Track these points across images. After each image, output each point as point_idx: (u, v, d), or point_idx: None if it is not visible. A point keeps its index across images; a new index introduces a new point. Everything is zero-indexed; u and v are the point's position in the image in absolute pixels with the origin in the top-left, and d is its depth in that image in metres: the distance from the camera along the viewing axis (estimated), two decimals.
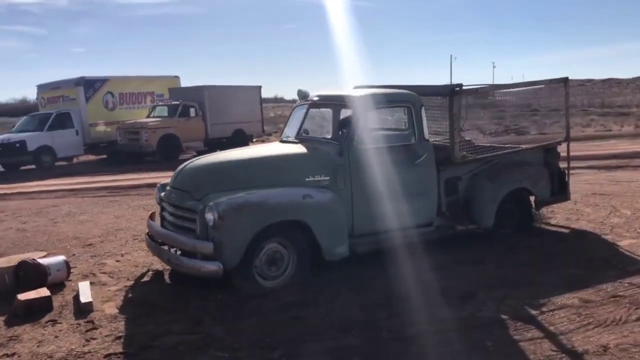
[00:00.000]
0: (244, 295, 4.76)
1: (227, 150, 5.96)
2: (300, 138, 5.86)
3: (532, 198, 6.67)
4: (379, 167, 5.48)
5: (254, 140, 21.19)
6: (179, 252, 5.07)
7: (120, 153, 19.02)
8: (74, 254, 6.48)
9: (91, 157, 20.92)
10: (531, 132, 7.73)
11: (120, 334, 4.10)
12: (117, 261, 6.13)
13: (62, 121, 19.01)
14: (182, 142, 18.72)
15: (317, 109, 6.10)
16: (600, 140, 19.02)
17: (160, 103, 20.28)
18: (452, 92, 5.83)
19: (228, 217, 4.68)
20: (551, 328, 3.94)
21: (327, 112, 6.12)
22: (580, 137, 19.82)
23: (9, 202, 10.90)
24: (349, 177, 5.35)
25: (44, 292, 4.78)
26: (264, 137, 22.19)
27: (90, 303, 4.63)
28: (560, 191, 6.94)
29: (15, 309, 4.59)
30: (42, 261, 5.23)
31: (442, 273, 5.19)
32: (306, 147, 5.52)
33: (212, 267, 4.68)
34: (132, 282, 5.36)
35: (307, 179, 5.21)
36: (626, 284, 4.72)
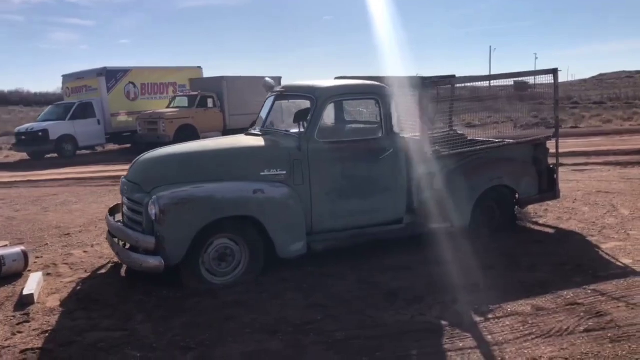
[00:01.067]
0: (189, 292, 4.64)
1: (187, 143, 5.83)
2: (264, 131, 5.69)
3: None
4: (341, 162, 5.28)
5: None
6: (127, 246, 4.99)
7: (140, 143, 19.21)
8: (46, 244, 6.51)
9: (114, 147, 21.25)
10: (520, 126, 7.32)
11: (48, 329, 4.04)
12: (85, 252, 6.11)
13: (84, 111, 19.34)
14: (199, 132, 18.78)
15: (287, 101, 5.90)
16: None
17: (180, 94, 20.40)
18: (421, 84, 5.55)
19: (170, 212, 4.57)
20: (488, 337, 3.68)
21: (295, 104, 5.93)
22: (609, 131, 19.00)
23: (13, 190, 11.11)
24: (308, 172, 5.15)
25: None
26: None
27: (31, 295, 4.59)
28: (548, 189, 6.56)
29: None
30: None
31: (399, 274, 4.97)
32: (265, 141, 5.34)
33: (154, 262, 4.58)
34: (88, 275, 5.30)
35: (262, 174, 5.03)
36: (589, 291, 4.40)
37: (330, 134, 5.58)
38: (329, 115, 5.76)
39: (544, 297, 4.32)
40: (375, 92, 5.54)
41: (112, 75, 20.08)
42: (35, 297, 4.62)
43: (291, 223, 5.02)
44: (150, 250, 4.63)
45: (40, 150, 18.46)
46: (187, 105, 19.23)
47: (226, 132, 19.55)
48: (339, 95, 5.56)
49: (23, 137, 18.73)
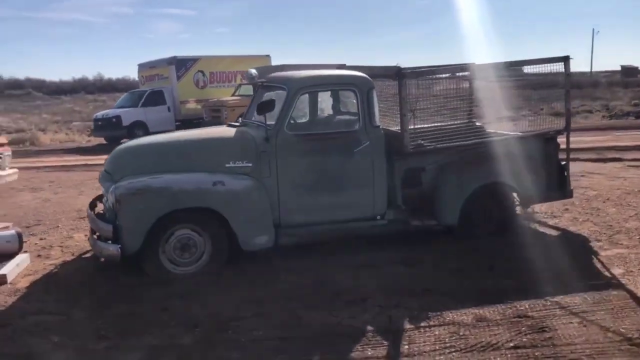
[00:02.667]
0: (152, 281, 4.73)
1: (166, 133, 5.92)
2: (245, 122, 5.66)
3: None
4: (310, 155, 5.16)
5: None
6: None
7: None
8: (58, 226, 6.89)
9: None
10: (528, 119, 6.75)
11: (0, 309, 4.27)
12: (86, 235, 6.38)
13: (155, 98, 20.25)
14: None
15: (268, 92, 5.82)
16: None
17: (245, 82, 20.79)
18: (397, 74, 5.26)
19: (126, 202, 4.67)
20: (404, 347, 3.46)
21: (276, 94, 5.83)
22: None
23: (69, 173, 11.87)
24: (275, 164, 5.07)
25: None
26: None
27: (4, 275, 4.88)
28: (559, 188, 6.04)
29: None
30: None
31: (359, 272, 4.79)
32: (235, 132, 5.31)
33: (112, 250, 4.72)
34: (72, 258, 5.56)
35: (227, 165, 5.01)
36: (550, 303, 4.01)
37: (303, 126, 5.46)
38: (303, 107, 5.62)
39: (495, 306, 3.98)
40: (352, 82, 5.34)
41: (181, 64, 20.83)
42: (9, 278, 4.90)
43: (254, 216, 4.97)
44: (109, 238, 4.76)
45: (114, 136, 19.55)
46: (249, 93, 19.56)
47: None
48: (313, 86, 5.41)
49: (99, 123, 19.96)
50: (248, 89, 19.93)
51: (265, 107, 4.92)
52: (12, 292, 4.63)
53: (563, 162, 6.10)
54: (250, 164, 5.04)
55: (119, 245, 4.69)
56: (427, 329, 3.68)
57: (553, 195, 6.08)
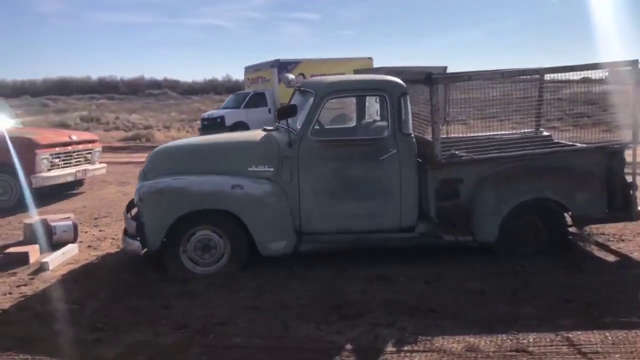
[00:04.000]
0: (170, 278, 4.89)
1: (203, 136, 6.07)
2: (278, 126, 5.67)
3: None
4: (334, 162, 5.05)
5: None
6: None
7: None
8: (121, 219, 7.35)
9: None
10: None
11: (30, 294, 4.65)
12: None
13: (257, 100, 21.01)
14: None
15: (302, 97, 5.76)
16: None
17: None
18: (427, 79, 4.97)
19: (147, 200, 4.88)
20: None
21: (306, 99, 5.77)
22: None
23: None
24: (297, 170, 5.02)
25: (29, 248, 5.61)
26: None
27: (46, 263, 5.29)
28: (623, 207, 5.38)
29: None
30: (51, 222, 6.11)
31: (372, 286, 4.60)
32: (261, 136, 5.33)
33: (134, 245, 4.94)
34: (117, 251, 5.90)
35: (249, 169, 5.06)
36: (559, 338, 3.57)
37: (328, 132, 5.35)
38: (330, 112, 5.50)
39: (495, 336, 3.62)
40: (382, 87, 5.15)
41: (283, 67, 21.35)
42: (52, 266, 5.31)
43: (273, 221, 4.96)
44: (133, 234, 5.00)
45: None
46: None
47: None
48: (341, 91, 5.27)
49: (206, 123, 21.10)
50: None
51: (286, 112, 4.89)
52: (48, 279, 5.01)
53: (630, 180, 5.42)
54: (272, 169, 5.04)
55: (137, 242, 4.91)
56: (407, 354, 3.44)
57: (615, 216, 5.44)
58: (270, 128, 5.68)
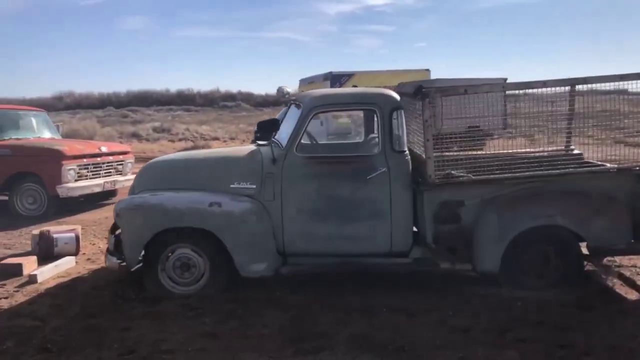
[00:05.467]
0: (145, 297, 4.74)
1: (189, 151, 5.90)
2: (272, 140, 5.41)
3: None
4: (318, 180, 4.74)
5: (495, 137, 19.55)
6: None
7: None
8: None
9: None
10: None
11: (8, 307, 4.62)
12: None
13: None
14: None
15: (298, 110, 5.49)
16: None
17: None
18: (417, 92, 4.56)
19: (124, 217, 4.75)
20: None
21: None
22: None
23: None
24: (280, 187, 4.75)
25: (25, 259, 5.64)
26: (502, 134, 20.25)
27: (34, 275, 5.28)
28: None
29: None
30: (53, 234, 6.14)
31: (347, 317, 4.25)
32: (247, 152, 5.09)
33: (112, 261, 4.84)
34: None
35: (231, 186, 4.83)
36: None
37: (316, 148, 5.04)
38: (317, 127, 5.18)
39: None
40: (372, 102, 4.79)
41: (336, 79, 21.22)
42: (40, 279, 5.30)
43: (252, 241, 4.71)
44: (112, 250, 4.89)
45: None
46: None
47: (437, 137, 18.88)
48: (328, 105, 4.96)
49: (258, 134, 21.19)
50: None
51: (265, 126, 4.63)
52: (30, 293, 4.99)
53: None
54: (254, 186, 4.80)
55: (118, 259, 4.79)
56: None
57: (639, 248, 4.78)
58: (263, 143, 5.44)
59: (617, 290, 4.73)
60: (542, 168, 4.91)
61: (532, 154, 5.53)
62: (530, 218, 4.62)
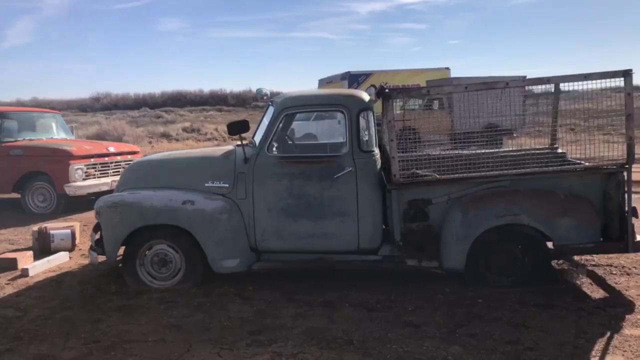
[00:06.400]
0: (125, 291, 4.97)
1: (171, 151, 6.10)
2: (251, 141, 5.58)
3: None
4: (289, 179, 4.87)
5: (514, 135, 19.36)
6: None
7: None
8: None
9: None
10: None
11: None
12: None
13: (327, 112, 21.03)
14: (421, 135, 18.50)
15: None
16: None
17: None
18: (379, 93, 4.66)
19: (102, 214, 4.99)
20: None
21: None
22: None
23: None
24: (252, 186, 4.91)
25: (20, 254, 5.94)
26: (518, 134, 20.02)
27: (27, 270, 5.57)
28: (620, 237, 4.72)
29: None
30: (50, 230, 6.44)
31: (310, 311, 4.41)
32: (224, 152, 5.25)
33: (92, 256, 5.10)
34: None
35: (206, 184, 5.02)
36: None
37: (286, 148, 5.19)
38: (291, 127, 5.32)
39: None
40: (340, 103, 4.92)
41: (354, 79, 21.27)
42: (31, 273, 5.58)
43: (224, 238, 4.89)
44: (92, 246, 5.15)
45: None
46: (415, 107, 19.18)
47: (454, 135, 18.80)
48: (298, 107, 5.09)
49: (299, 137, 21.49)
50: (416, 104, 19.58)
51: (236, 127, 4.79)
52: (20, 285, 5.28)
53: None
54: (227, 185, 4.97)
55: (96, 254, 5.05)
56: None
57: (607, 247, 4.78)
58: (245, 143, 5.61)
59: (584, 289, 4.73)
60: (511, 167, 4.96)
61: (509, 153, 5.60)
62: (495, 216, 4.67)
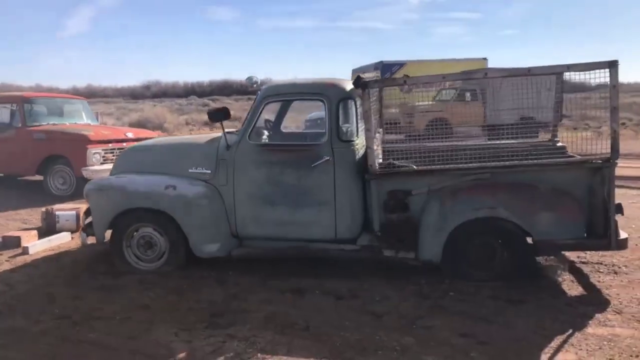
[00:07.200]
0: (112, 271, 5.16)
1: (166, 137, 6.22)
2: (239, 129, 5.66)
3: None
4: (268, 167, 4.93)
5: (551, 128, 18.80)
6: None
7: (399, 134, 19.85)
8: None
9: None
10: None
11: None
12: None
13: None
14: (453, 126, 18.21)
15: None
16: None
17: (447, 87, 20.08)
18: (356, 82, 4.63)
19: (91, 197, 5.19)
20: None
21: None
22: None
23: None
24: (233, 173, 5.00)
25: (24, 233, 6.23)
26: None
27: (27, 248, 5.84)
28: (604, 234, 4.58)
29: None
30: (56, 212, 6.72)
31: (280, 296, 4.48)
32: (207, 139, 5.34)
33: (83, 238, 5.31)
34: None
35: (190, 170, 5.14)
36: None
37: (269, 136, 5.24)
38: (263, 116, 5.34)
39: None
40: (320, 92, 4.91)
41: (387, 69, 21.09)
42: (31, 251, 5.86)
43: (205, 223, 4.99)
44: (84, 227, 5.36)
45: None
46: (448, 98, 18.91)
47: (487, 127, 18.40)
48: (279, 95, 5.11)
49: (307, 124, 21.54)
50: (447, 94, 19.26)
51: (216, 114, 4.87)
52: (18, 262, 5.55)
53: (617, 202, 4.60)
54: (209, 171, 5.07)
55: (87, 235, 5.25)
56: None
57: (590, 244, 4.65)
58: (232, 130, 5.70)
59: (564, 286, 4.61)
60: (494, 159, 4.88)
61: (506, 146, 5.52)
62: (472, 209, 4.59)
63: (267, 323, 3.93)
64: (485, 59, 22.15)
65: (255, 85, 5.64)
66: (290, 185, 4.87)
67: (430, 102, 18.69)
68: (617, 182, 4.60)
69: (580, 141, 5.01)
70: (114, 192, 5.11)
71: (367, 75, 4.98)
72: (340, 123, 4.88)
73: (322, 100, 4.89)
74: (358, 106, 4.95)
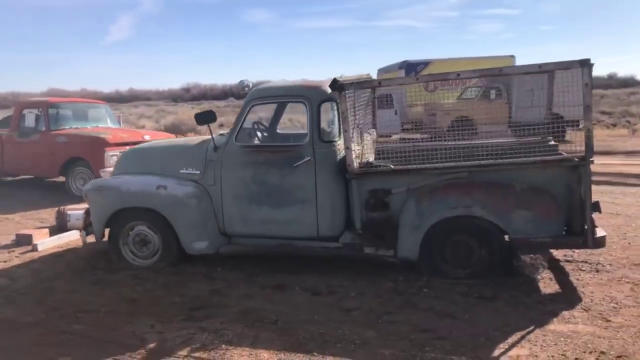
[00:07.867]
0: (111, 267, 5.45)
1: (164, 139, 6.46)
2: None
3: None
4: (253, 167, 5.12)
5: (579, 126, 18.43)
6: None
7: (425, 133, 19.81)
8: None
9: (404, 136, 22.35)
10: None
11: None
12: None
13: (384, 101, 20.91)
14: (477, 125, 18.07)
15: None
16: None
17: (471, 85, 19.91)
18: (332, 85, 4.76)
19: (89, 196, 5.49)
20: None
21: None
22: None
23: None
24: (220, 173, 5.21)
25: (36, 231, 6.61)
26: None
27: (36, 245, 6.20)
28: (581, 232, 4.59)
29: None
30: (67, 211, 7.07)
31: (261, 292, 4.66)
32: (200, 141, 5.57)
33: (83, 236, 5.61)
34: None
35: (181, 171, 5.37)
36: None
37: (250, 138, 5.43)
38: (256, 118, 5.53)
39: (294, 355, 3.48)
40: (301, 94, 5.07)
41: (411, 68, 21.04)
42: (40, 248, 6.21)
43: (194, 221, 5.22)
44: (84, 226, 5.67)
45: None
46: (473, 97, 18.77)
47: (513, 125, 18.17)
48: (263, 98, 5.28)
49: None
50: (471, 92, 19.11)
51: (203, 117, 5.09)
52: (26, 258, 5.90)
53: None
54: (198, 172, 5.30)
55: (87, 234, 5.56)
56: (192, 357, 3.49)
57: (566, 242, 4.67)
58: (224, 132, 5.91)
59: (541, 283, 4.64)
60: (473, 158, 4.95)
61: (487, 144, 5.57)
62: (447, 208, 4.67)
63: (240, 317, 4.11)
64: (512, 56, 21.84)
65: (246, 89, 5.83)
66: (275, 185, 5.05)
67: (456, 101, 18.64)
68: (626, 181, 4.60)
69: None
70: (110, 192, 5.40)
71: (347, 77, 5.09)
72: (323, 124, 5.02)
73: (304, 102, 5.04)
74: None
